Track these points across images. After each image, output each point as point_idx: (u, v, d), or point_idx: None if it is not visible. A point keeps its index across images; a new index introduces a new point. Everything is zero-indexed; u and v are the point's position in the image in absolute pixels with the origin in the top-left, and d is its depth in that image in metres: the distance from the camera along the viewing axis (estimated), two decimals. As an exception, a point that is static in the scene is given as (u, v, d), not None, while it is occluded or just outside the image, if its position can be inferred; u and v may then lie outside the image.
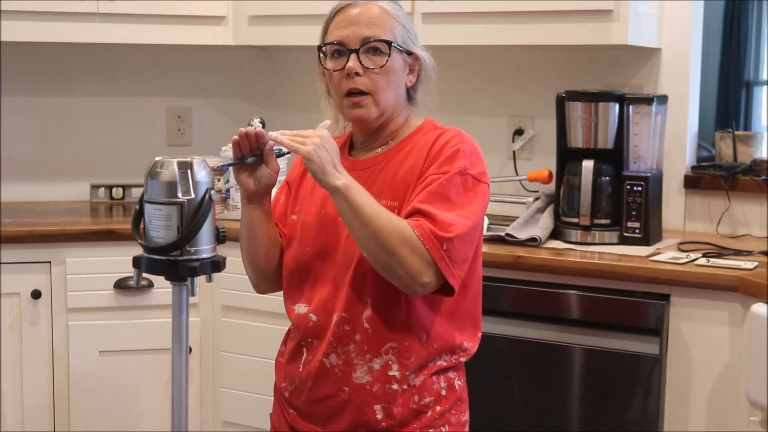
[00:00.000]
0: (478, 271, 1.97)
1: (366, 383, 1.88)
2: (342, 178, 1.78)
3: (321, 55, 1.94)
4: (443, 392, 1.92)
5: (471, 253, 1.86)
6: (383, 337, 1.87)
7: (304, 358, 1.95)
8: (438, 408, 1.91)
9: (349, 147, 2.02)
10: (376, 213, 1.77)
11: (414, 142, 1.92)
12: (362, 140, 1.99)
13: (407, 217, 1.81)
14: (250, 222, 1.96)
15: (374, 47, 1.88)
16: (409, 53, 1.93)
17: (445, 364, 1.92)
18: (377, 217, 1.76)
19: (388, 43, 1.88)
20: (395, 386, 1.87)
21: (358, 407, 1.88)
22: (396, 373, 1.87)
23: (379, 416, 1.88)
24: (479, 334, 1.99)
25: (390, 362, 1.87)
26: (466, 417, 1.99)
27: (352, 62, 1.87)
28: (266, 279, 2.04)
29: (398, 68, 1.91)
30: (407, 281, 1.78)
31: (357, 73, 1.87)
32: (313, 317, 1.92)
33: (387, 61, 1.88)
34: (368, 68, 1.87)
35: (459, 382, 1.96)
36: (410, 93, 1.98)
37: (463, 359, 1.96)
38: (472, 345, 1.97)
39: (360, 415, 1.89)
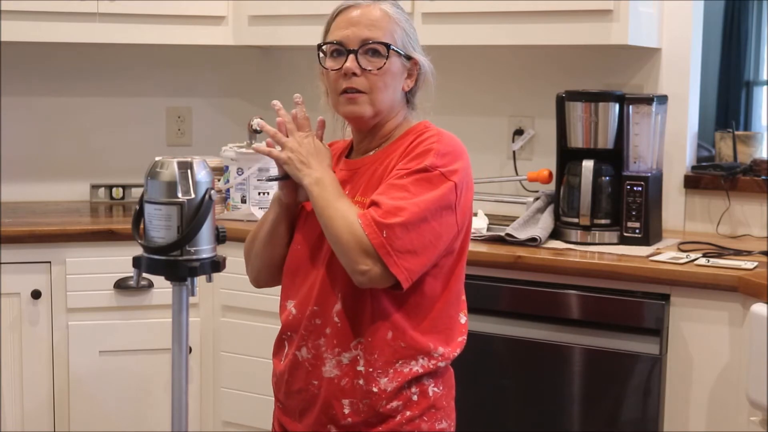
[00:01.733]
0: (460, 274, 1.94)
1: (334, 377, 1.88)
2: (314, 174, 1.86)
3: (321, 54, 1.95)
4: (414, 398, 1.89)
5: (423, 245, 1.80)
6: (352, 332, 1.87)
7: (285, 351, 1.97)
8: (407, 413, 1.88)
9: (348, 151, 2.03)
10: (332, 205, 1.82)
11: (401, 144, 1.93)
12: (358, 142, 2.00)
13: (367, 209, 1.83)
14: (275, 225, 1.99)
15: (373, 49, 1.89)
16: (408, 57, 1.93)
17: (421, 370, 1.88)
18: (331, 208, 1.82)
19: (387, 46, 1.89)
20: (361, 381, 1.87)
21: (327, 401, 1.89)
22: (362, 369, 1.87)
23: (346, 411, 1.88)
24: (461, 339, 1.95)
25: (358, 357, 1.87)
26: (443, 425, 1.93)
27: (350, 63, 1.88)
28: (273, 273, 2.04)
29: (396, 71, 1.91)
30: (350, 270, 1.80)
31: (354, 74, 1.89)
32: (293, 311, 1.94)
33: (385, 63, 1.89)
34: (366, 69, 1.88)
35: (435, 389, 1.92)
36: (408, 97, 1.98)
37: (441, 364, 1.91)
38: (450, 350, 1.92)
39: (328, 409, 1.89)
